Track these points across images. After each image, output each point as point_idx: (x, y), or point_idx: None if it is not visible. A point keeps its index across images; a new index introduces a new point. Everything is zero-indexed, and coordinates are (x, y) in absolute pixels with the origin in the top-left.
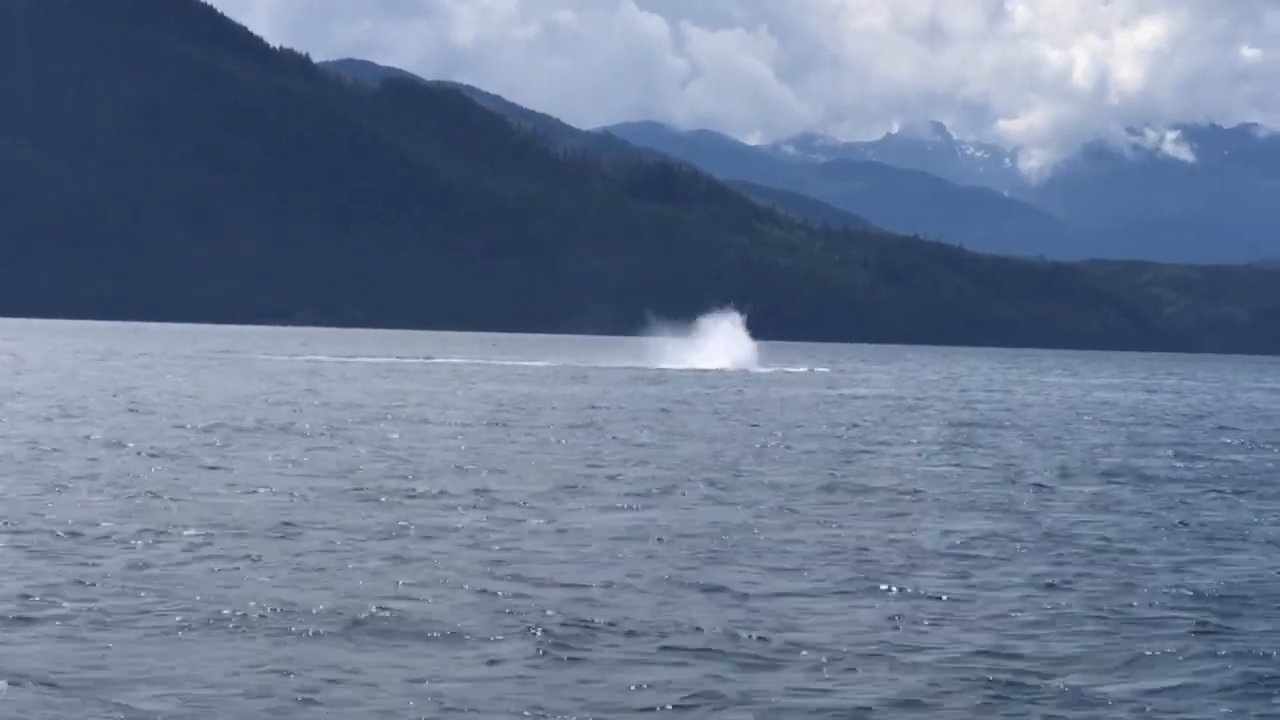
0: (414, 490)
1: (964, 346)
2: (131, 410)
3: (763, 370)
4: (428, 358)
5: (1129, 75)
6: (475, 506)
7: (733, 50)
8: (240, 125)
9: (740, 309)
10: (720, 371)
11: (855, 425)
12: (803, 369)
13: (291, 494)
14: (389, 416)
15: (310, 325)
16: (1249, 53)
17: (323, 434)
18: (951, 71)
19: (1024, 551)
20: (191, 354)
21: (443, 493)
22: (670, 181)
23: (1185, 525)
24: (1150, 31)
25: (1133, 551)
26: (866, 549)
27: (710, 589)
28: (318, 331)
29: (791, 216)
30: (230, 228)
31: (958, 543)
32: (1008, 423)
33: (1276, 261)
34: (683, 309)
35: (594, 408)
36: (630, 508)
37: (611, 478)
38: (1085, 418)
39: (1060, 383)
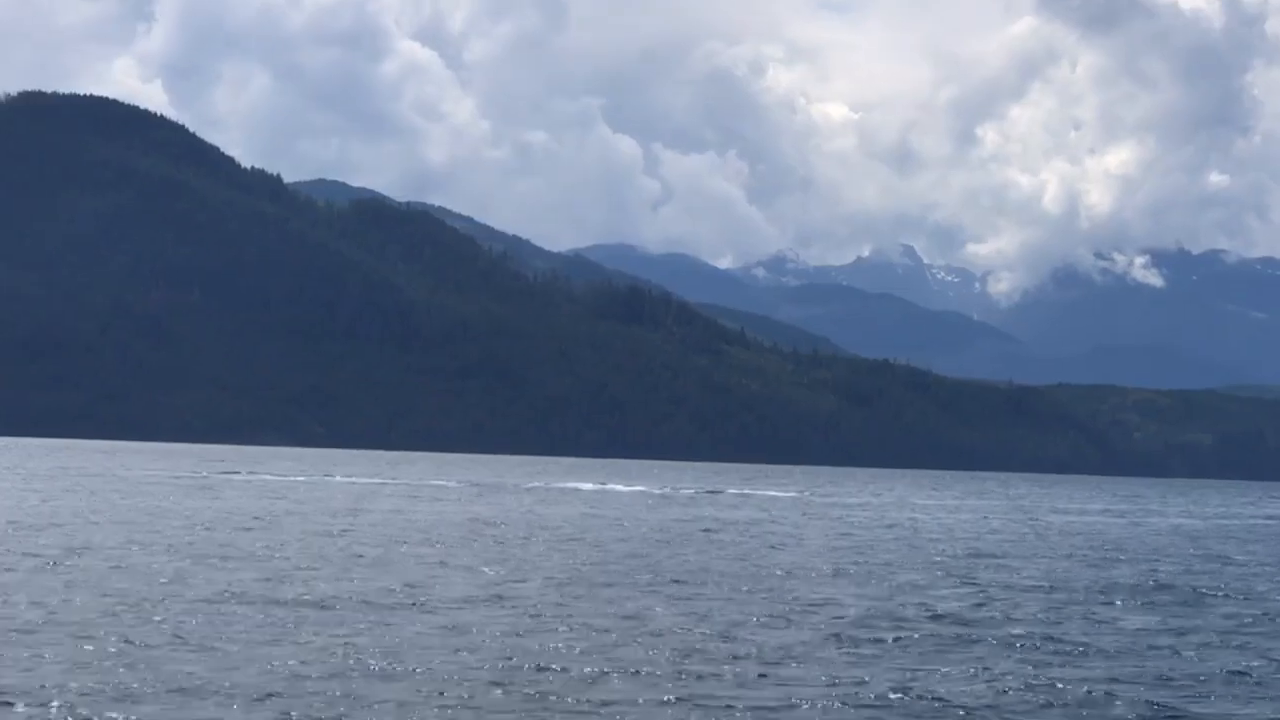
0: None
1: (928, 470)
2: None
3: None
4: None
5: (1098, 200)
6: None
7: (704, 173)
8: (209, 243)
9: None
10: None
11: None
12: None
13: None
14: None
15: (273, 445)
16: (1217, 179)
17: None
18: (921, 196)
19: None
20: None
21: None
22: (639, 304)
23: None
24: (1119, 158)
25: None
26: None
27: None
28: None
29: (760, 339)
30: (197, 345)
31: None
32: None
33: (1242, 386)
34: (644, 429)
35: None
36: None
37: None
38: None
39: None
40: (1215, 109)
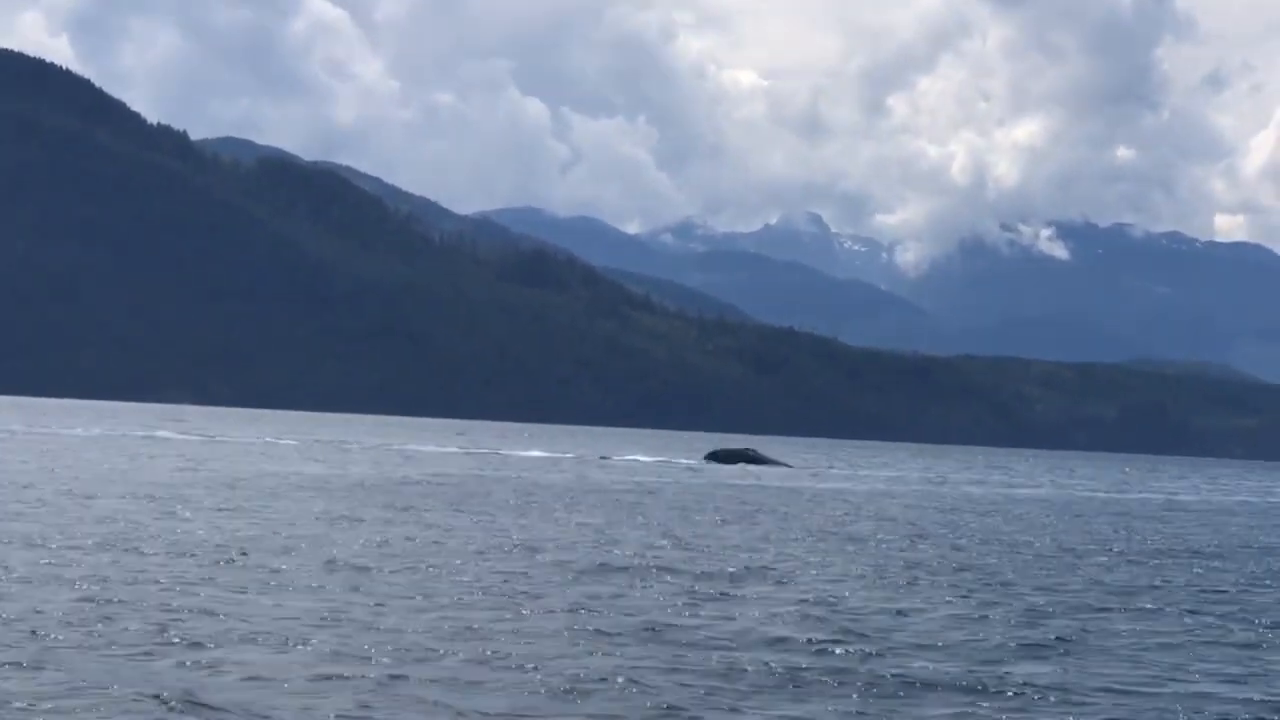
0: None
1: (833, 439)
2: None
3: None
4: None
5: (1005, 172)
6: None
7: (613, 137)
8: (114, 200)
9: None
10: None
11: None
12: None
13: None
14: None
15: (178, 403)
16: (1124, 153)
17: None
18: (830, 164)
19: None
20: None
21: None
22: (544, 267)
23: None
24: (1027, 130)
25: None
26: None
27: None
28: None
29: (666, 305)
30: (101, 302)
31: None
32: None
33: (1145, 361)
34: (547, 393)
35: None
36: None
37: None
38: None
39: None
40: (1124, 84)
